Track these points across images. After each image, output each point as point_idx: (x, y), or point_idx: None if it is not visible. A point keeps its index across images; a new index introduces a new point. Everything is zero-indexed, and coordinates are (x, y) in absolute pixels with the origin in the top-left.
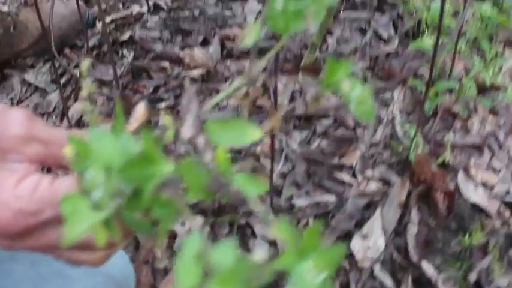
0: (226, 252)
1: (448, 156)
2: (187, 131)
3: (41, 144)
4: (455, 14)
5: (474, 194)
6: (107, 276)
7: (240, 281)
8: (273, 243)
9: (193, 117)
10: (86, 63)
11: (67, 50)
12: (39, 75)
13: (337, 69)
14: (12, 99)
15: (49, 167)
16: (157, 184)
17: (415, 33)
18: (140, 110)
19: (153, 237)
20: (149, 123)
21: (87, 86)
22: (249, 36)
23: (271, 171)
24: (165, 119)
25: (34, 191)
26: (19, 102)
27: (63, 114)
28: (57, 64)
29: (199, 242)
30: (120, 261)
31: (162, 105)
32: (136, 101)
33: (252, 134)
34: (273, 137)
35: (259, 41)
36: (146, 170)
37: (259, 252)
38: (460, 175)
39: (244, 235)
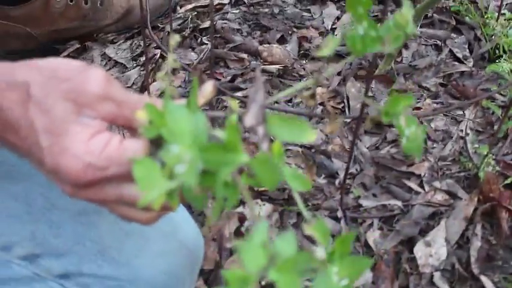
0: (288, 242)
1: None
2: (249, 119)
3: (115, 104)
4: None
5: None
6: (181, 243)
7: (298, 271)
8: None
9: (258, 107)
10: (175, 38)
11: (147, 31)
12: (119, 51)
13: (398, 102)
14: None
15: (118, 126)
16: (232, 170)
17: (491, 56)
18: (208, 87)
19: (216, 215)
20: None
21: (171, 61)
22: (327, 47)
23: (347, 169)
24: (231, 103)
25: (104, 148)
26: None
27: (143, 90)
28: (138, 43)
29: (266, 230)
30: (193, 232)
31: (239, 94)
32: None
33: (308, 134)
34: (354, 139)
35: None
36: (225, 156)
37: (320, 250)
38: None
39: None
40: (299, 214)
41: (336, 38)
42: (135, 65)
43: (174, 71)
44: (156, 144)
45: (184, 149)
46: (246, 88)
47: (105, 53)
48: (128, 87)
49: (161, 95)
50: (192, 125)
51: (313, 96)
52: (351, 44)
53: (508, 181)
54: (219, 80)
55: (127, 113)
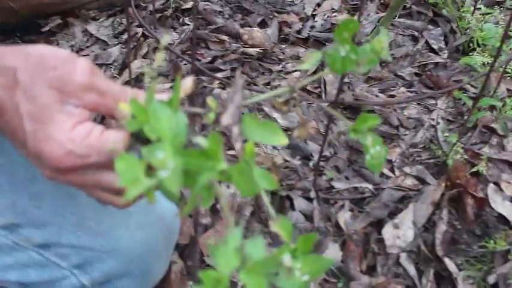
0: (257, 247)
1: (482, 167)
2: (226, 119)
3: (98, 94)
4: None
5: (501, 206)
6: (159, 217)
7: (265, 274)
8: (309, 218)
9: (235, 108)
10: (166, 38)
11: (130, 10)
12: (101, 28)
13: (366, 121)
14: (72, 47)
15: (100, 114)
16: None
17: (465, 49)
18: (188, 82)
19: (189, 210)
20: (193, 95)
21: (159, 58)
22: (308, 62)
23: (321, 152)
24: (210, 103)
25: (86, 137)
26: (79, 50)
27: (123, 67)
28: (120, 20)
29: (239, 236)
30: (170, 206)
31: (219, 75)
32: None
33: (280, 138)
34: (328, 124)
35: (315, 32)
36: (206, 162)
37: (286, 257)
38: (491, 186)
39: (284, 207)
40: (273, 194)
41: (317, 54)
42: (116, 42)
43: (155, 50)
44: (136, 136)
45: (168, 155)
46: (226, 69)
47: (86, 29)
48: (109, 64)
49: (142, 74)
50: (173, 124)
51: (286, 103)
52: (331, 63)
53: (474, 169)
54: (200, 60)
55: (109, 103)
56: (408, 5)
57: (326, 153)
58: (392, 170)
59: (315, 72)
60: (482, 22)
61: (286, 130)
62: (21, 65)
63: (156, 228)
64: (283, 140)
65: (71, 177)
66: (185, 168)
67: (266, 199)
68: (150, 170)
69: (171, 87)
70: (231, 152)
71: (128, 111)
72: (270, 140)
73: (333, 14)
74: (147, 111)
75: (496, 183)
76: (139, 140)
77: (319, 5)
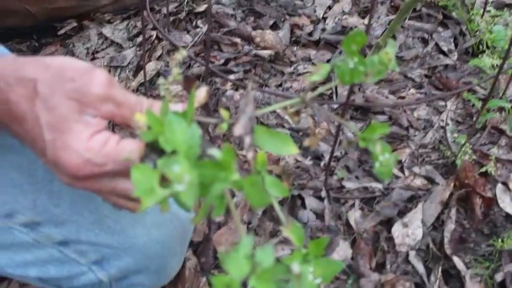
0: (267, 254)
1: (490, 167)
2: (238, 129)
3: (115, 104)
4: None
5: (509, 206)
6: (174, 215)
7: (274, 281)
8: (320, 217)
9: (247, 118)
10: (181, 53)
11: (145, 13)
12: (116, 31)
13: (375, 130)
14: (88, 49)
15: (116, 124)
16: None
17: (475, 51)
18: (201, 93)
19: (201, 218)
20: (207, 105)
21: (174, 74)
22: (318, 74)
23: (332, 152)
24: (222, 113)
25: (103, 146)
26: (94, 52)
27: (138, 69)
28: (134, 23)
29: (250, 244)
30: None
31: (231, 77)
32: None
33: (290, 148)
34: (338, 128)
35: (326, 34)
36: (219, 173)
37: (295, 265)
38: (499, 186)
39: (295, 206)
40: None
41: (326, 66)
42: (131, 45)
43: (169, 53)
44: (151, 146)
45: (185, 169)
46: (239, 71)
47: (101, 32)
48: (124, 66)
49: (156, 76)
50: (188, 136)
51: (298, 113)
52: (340, 75)
53: (483, 169)
54: (213, 62)
55: (125, 113)
56: (418, 8)
57: (337, 153)
58: (402, 170)
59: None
60: (492, 24)
61: (297, 131)
62: (41, 77)
63: (171, 226)
64: (294, 150)
65: (88, 184)
66: (199, 179)
67: (277, 207)
68: (164, 180)
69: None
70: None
71: (143, 122)
72: (281, 150)
73: (344, 17)
74: (162, 122)
75: (505, 183)
76: (154, 149)
77: (330, 7)
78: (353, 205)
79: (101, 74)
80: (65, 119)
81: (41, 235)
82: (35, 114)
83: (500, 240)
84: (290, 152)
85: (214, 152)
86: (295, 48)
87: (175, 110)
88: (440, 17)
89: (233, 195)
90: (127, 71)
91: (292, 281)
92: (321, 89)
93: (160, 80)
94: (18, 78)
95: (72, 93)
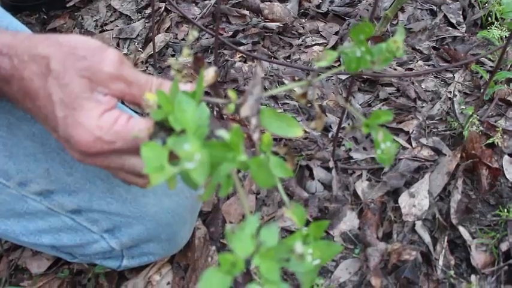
0: (271, 234)
1: (497, 138)
2: (245, 110)
3: (125, 83)
4: None
5: None
6: (185, 185)
7: (278, 259)
8: (328, 187)
9: (254, 100)
10: (193, 34)
11: None
12: (124, 3)
13: (379, 117)
14: (96, 22)
15: (126, 102)
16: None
17: (483, 23)
18: (210, 73)
19: (207, 197)
20: (216, 85)
21: (185, 53)
22: (325, 59)
23: (340, 124)
24: (230, 93)
25: (113, 124)
26: (103, 25)
27: (147, 41)
28: None
29: (256, 223)
30: None
31: (240, 48)
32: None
33: (296, 130)
34: (347, 96)
35: (335, 6)
36: (227, 154)
37: (298, 245)
38: (506, 157)
39: (303, 176)
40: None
41: (333, 52)
42: (139, 17)
43: (177, 25)
44: (160, 125)
45: (196, 147)
46: (247, 43)
47: (110, 4)
48: (133, 38)
49: (165, 48)
50: (196, 116)
51: (305, 95)
52: (347, 62)
53: (490, 141)
54: (221, 34)
55: (135, 92)
56: None
57: (344, 124)
58: (409, 141)
59: (334, 48)
60: None
61: (304, 94)
62: (54, 54)
63: (182, 196)
64: (299, 133)
65: (98, 160)
66: (209, 158)
67: (281, 188)
68: (171, 157)
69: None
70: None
71: (153, 101)
72: (286, 131)
73: None
74: (172, 102)
75: (511, 155)
76: (163, 128)
77: None
78: (360, 175)
79: (113, 52)
80: (76, 96)
81: (54, 203)
82: (47, 91)
83: (506, 210)
84: (295, 134)
85: (223, 132)
86: (303, 20)
87: (185, 90)
88: None
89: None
90: (136, 43)
91: (293, 260)
92: (328, 72)
93: (171, 60)
94: (31, 56)
95: (84, 71)
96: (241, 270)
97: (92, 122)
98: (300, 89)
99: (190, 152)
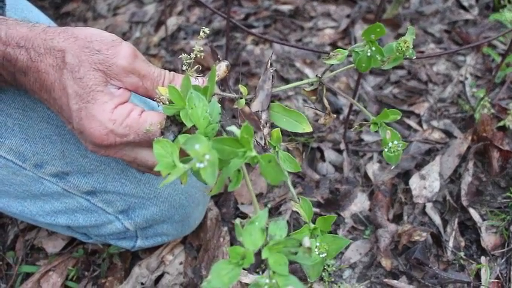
0: (280, 228)
1: (509, 121)
2: (256, 105)
3: (139, 77)
4: None
5: None
6: None
7: (286, 253)
8: (339, 169)
9: (265, 95)
10: (205, 31)
11: None
12: None
13: (388, 115)
14: (109, 5)
15: (139, 95)
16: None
17: (496, 6)
18: (222, 67)
19: (217, 190)
20: (227, 79)
21: (196, 51)
22: (335, 58)
23: (351, 106)
24: (241, 88)
25: (125, 118)
26: (116, 8)
27: (159, 25)
28: None
29: (266, 217)
30: None
31: (253, 31)
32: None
33: (304, 126)
34: (359, 79)
35: None
36: (238, 149)
37: (306, 239)
38: None
39: (314, 158)
40: (304, 145)
41: (344, 51)
42: (151, 0)
43: (189, 8)
44: (172, 119)
45: (206, 148)
46: (259, 26)
47: None
48: (145, 22)
49: (177, 31)
50: (207, 112)
51: (315, 91)
52: (357, 62)
53: (501, 123)
54: (233, 17)
55: (148, 85)
56: None
57: (356, 107)
58: (420, 124)
59: (345, 31)
60: None
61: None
62: (69, 47)
63: (194, 177)
64: (308, 128)
65: (111, 152)
66: (219, 154)
67: (290, 183)
68: (182, 153)
69: (205, 44)
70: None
71: (165, 95)
72: (295, 127)
73: None
74: (183, 98)
75: None
76: (174, 122)
77: None
78: (371, 158)
79: (127, 46)
80: (90, 89)
81: (69, 185)
82: (62, 84)
83: None
84: (304, 130)
85: (234, 129)
86: (314, 3)
87: (196, 84)
88: None
89: None
90: (148, 27)
91: (300, 253)
92: (338, 70)
93: (183, 56)
94: (47, 49)
95: (99, 65)
96: (251, 262)
97: (105, 115)
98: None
99: (200, 153)
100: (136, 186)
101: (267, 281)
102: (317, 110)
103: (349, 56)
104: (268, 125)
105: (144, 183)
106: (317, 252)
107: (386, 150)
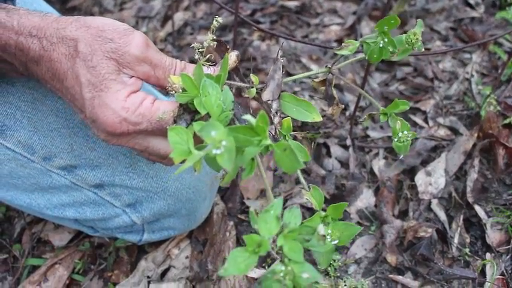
0: (295, 216)
1: None
2: (267, 94)
3: (151, 66)
4: None
5: None
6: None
7: (300, 240)
8: (345, 165)
9: (275, 85)
10: (218, 20)
11: None
12: None
13: (398, 105)
14: (115, 0)
15: (150, 84)
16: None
17: (502, 3)
18: (232, 57)
19: (229, 179)
20: (238, 68)
21: (208, 40)
22: (346, 49)
23: (357, 102)
24: (253, 78)
25: (138, 106)
26: (122, 3)
27: (165, 20)
28: None
29: (281, 205)
30: None
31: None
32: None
33: (314, 116)
34: (365, 75)
35: None
36: (253, 138)
37: (321, 227)
38: None
39: (320, 154)
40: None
41: (355, 42)
42: None
43: (196, 3)
44: (184, 107)
45: (223, 135)
46: (265, 22)
47: None
48: (152, 17)
49: (183, 26)
50: (221, 100)
51: (323, 82)
52: (369, 53)
53: (507, 121)
54: (240, 13)
55: (159, 74)
56: None
57: (362, 103)
58: (426, 121)
59: (351, 28)
60: None
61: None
62: (82, 36)
63: (202, 172)
64: (318, 118)
65: (123, 141)
66: (235, 142)
67: (300, 173)
68: (195, 140)
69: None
70: None
71: (177, 84)
72: (305, 117)
73: None
74: (197, 86)
75: None
76: (186, 110)
77: None
78: (377, 154)
79: (139, 35)
80: (103, 78)
81: (77, 178)
82: (75, 73)
83: None
84: (314, 119)
85: (249, 117)
86: (321, 0)
87: (208, 73)
88: None
89: None
90: (155, 22)
91: (313, 240)
92: (347, 61)
93: (196, 44)
94: (60, 38)
95: (111, 54)
96: (267, 250)
97: (118, 103)
98: (319, 76)
99: (217, 139)
100: (144, 180)
101: (283, 268)
102: (326, 100)
103: (356, 52)
104: (279, 114)
105: (152, 177)
106: (329, 240)
107: (396, 140)
